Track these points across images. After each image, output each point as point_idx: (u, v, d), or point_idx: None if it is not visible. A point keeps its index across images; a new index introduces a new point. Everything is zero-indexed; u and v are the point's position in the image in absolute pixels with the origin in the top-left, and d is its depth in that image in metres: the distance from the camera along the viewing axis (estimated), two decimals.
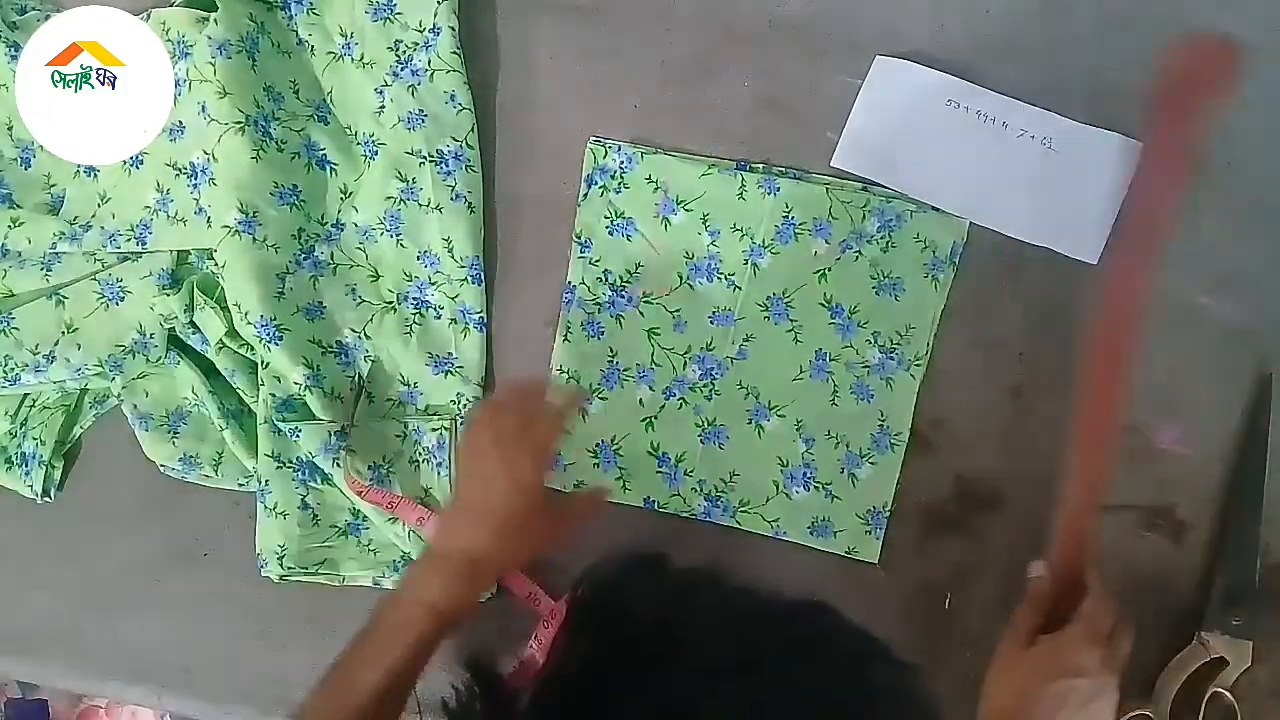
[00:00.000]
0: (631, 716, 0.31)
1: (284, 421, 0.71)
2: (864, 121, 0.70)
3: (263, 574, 0.72)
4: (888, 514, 0.69)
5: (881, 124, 0.70)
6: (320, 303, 0.73)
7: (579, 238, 0.72)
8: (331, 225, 0.74)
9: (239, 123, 0.69)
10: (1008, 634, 0.59)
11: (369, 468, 0.71)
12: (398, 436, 0.73)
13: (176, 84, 0.72)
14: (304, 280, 0.72)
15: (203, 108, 0.70)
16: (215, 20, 0.70)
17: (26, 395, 0.77)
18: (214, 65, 0.69)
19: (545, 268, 0.73)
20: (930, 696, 0.35)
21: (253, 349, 0.72)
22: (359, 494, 0.70)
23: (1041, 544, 0.66)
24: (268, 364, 0.71)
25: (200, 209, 0.71)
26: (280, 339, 0.70)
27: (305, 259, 0.73)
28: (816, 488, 0.70)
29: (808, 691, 0.33)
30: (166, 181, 0.73)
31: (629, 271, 0.72)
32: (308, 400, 0.71)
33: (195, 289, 0.73)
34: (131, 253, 0.74)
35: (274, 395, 0.71)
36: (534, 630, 0.68)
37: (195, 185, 0.72)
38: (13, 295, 0.74)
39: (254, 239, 0.70)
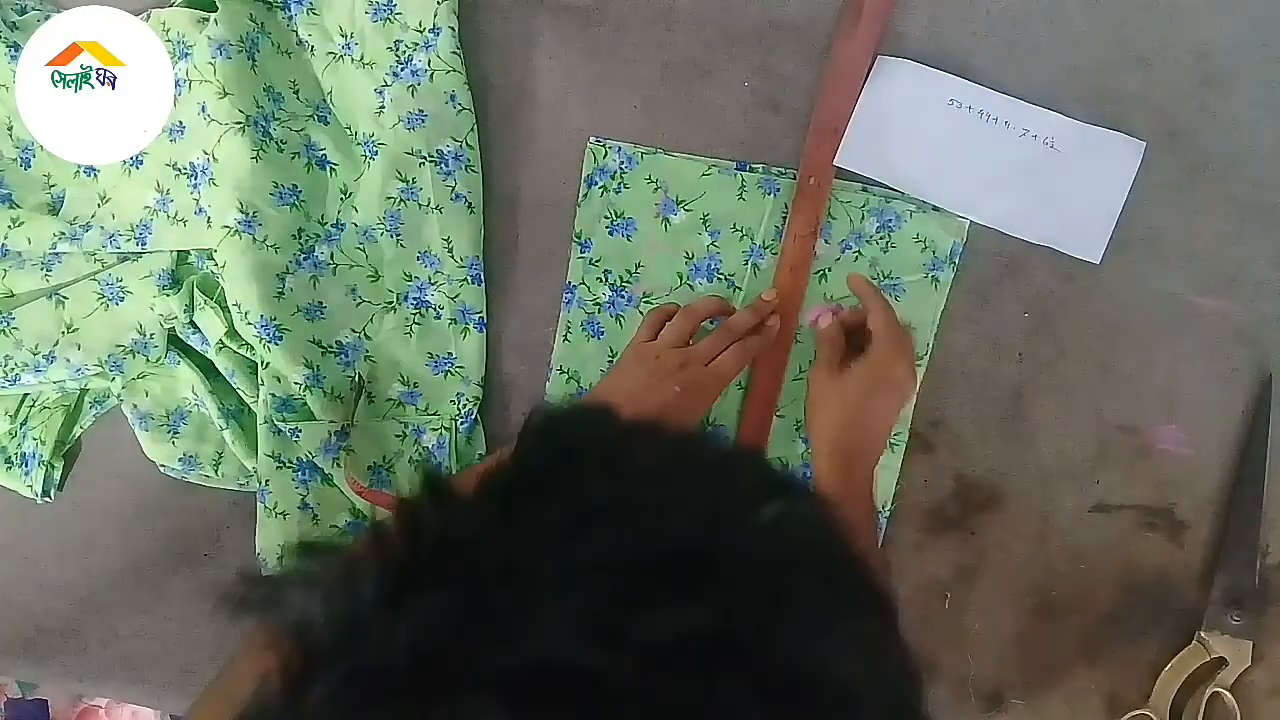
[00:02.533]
0: (551, 510, 0.30)
1: (284, 421, 0.71)
2: (865, 121, 0.70)
3: (263, 574, 0.72)
4: (887, 514, 0.69)
5: (883, 123, 0.70)
6: (320, 303, 0.73)
7: (579, 238, 0.72)
8: (331, 225, 0.74)
9: (239, 123, 0.69)
10: (817, 368, 0.66)
11: (369, 468, 0.71)
12: (398, 436, 0.73)
13: (176, 84, 0.71)
14: (304, 280, 0.72)
15: (203, 108, 0.70)
16: (215, 20, 0.70)
17: (26, 395, 0.77)
18: (214, 65, 0.69)
19: (545, 268, 0.73)
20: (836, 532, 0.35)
21: (253, 349, 0.72)
22: (359, 494, 0.70)
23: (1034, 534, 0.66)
24: (268, 364, 0.71)
25: (200, 209, 0.71)
26: (280, 339, 0.70)
27: (305, 259, 0.72)
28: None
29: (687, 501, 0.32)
30: (166, 181, 0.73)
31: (629, 271, 0.72)
32: (308, 400, 0.71)
33: (195, 289, 0.73)
34: (131, 253, 0.74)
35: (274, 395, 0.71)
36: None
37: (195, 185, 0.72)
38: (13, 295, 0.74)
39: (254, 239, 0.70)
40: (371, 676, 0.27)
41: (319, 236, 0.73)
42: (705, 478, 0.33)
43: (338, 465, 0.70)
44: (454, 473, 0.72)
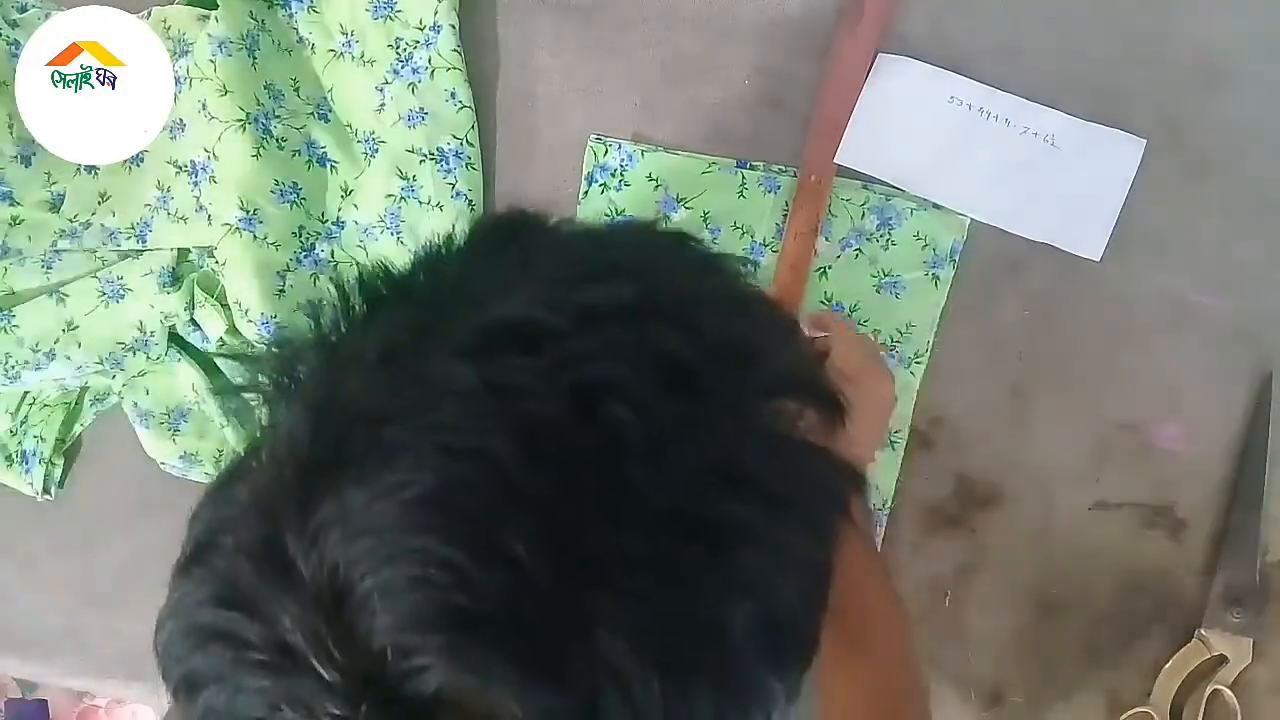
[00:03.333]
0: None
1: None
2: (867, 117, 0.70)
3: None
4: (887, 512, 0.69)
5: (884, 120, 0.70)
6: (320, 301, 0.73)
7: None
8: (332, 223, 0.74)
9: (239, 120, 0.69)
10: None
11: None
12: None
13: (177, 82, 0.71)
14: (304, 278, 0.72)
15: (203, 105, 0.70)
16: (216, 18, 0.70)
17: (27, 393, 0.77)
18: (214, 63, 0.69)
19: None
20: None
21: (254, 347, 0.72)
22: None
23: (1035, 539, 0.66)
24: None
25: (201, 207, 0.71)
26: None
27: (306, 256, 0.73)
28: None
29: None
30: (167, 179, 0.73)
31: None
32: None
33: (196, 287, 0.73)
34: (132, 251, 0.74)
35: None
36: None
37: (196, 183, 0.72)
38: (13, 293, 0.74)
39: (254, 236, 0.70)
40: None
41: (319, 234, 0.74)
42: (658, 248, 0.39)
43: None
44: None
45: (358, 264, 0.33)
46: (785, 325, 0.40)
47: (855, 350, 0.62)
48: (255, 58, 0.71)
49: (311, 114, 0.74)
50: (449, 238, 0.37)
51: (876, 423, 0.62)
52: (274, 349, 0.34)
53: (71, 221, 0.74)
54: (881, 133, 0.70)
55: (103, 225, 0.74)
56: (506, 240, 0.36)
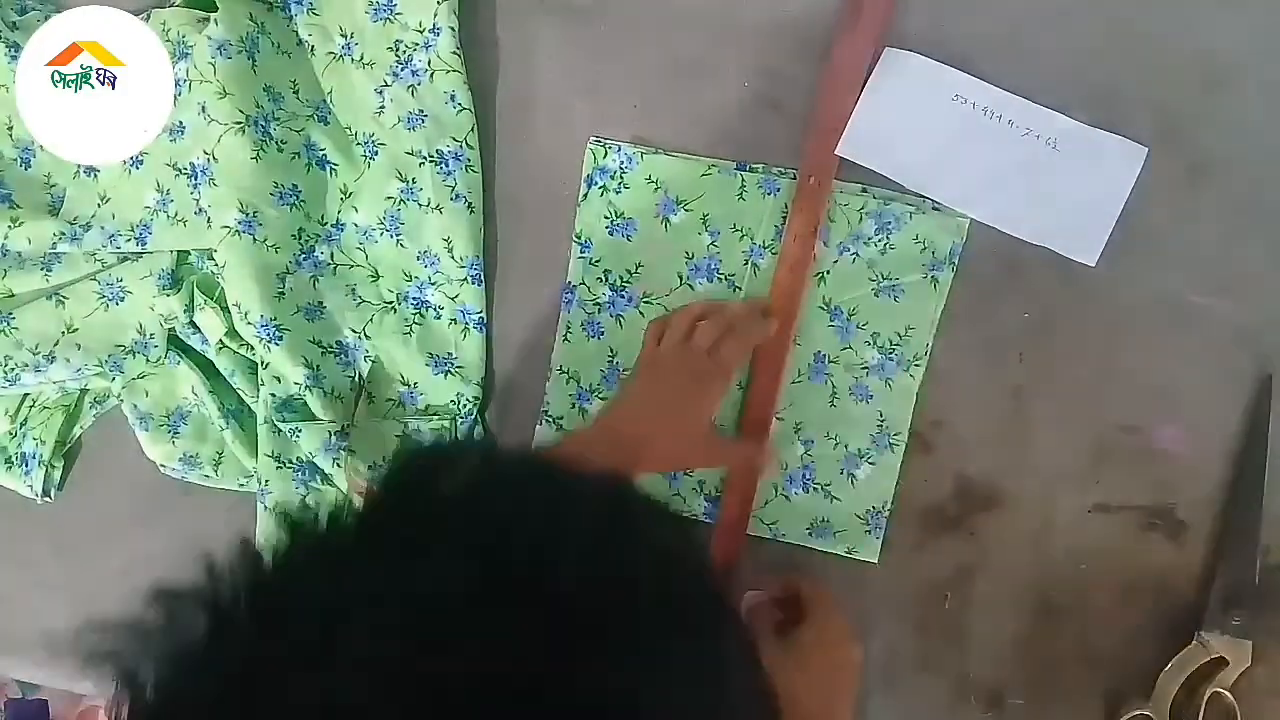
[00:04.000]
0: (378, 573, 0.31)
1: (284, 421, 0.71)
2: (869, 111, 0.70)
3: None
4: (887, 514, 0.69)
5: (887, 115, 0.70)
6: (320, 303, 0.73)
7: (579, 238, 0.72)
8: (331, 225, 0.74)
9: (239, 123, 0.69)
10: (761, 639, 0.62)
11: (369, 467, 0.71)
12: (398, 436, 0.73)
13: (176, 84, 0.72)
14: (304, 280, 0.72)
15: (203, 108, 0.70)
16: (215, 21, 0.70)
17: (26, 395, 0.77)
18: (214, 65, 0.69)
19: (545, 268, 0.73)
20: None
21: (253, 349, 0.72)
22: (360, 494, 0.70)
23: (1038, 545, 0.66)
24: (267, 364, 0.71)
25: (200, 209, 0.71)
26: (280, 339, 0.70)
27: (305, 259, 0.73)
28: (816, 489, 0.70)
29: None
30: (166, 181, 0.73)
31: (629, 271, 0.72)
32: (308, 400, 0.71)
33: (196, 289, 0.73)
34: (131, 253, 0.74)
35: (274, 395, 0.71)
36: None
37: (195, 185, 0.72)
38: (13, 295, 0.74)
39: (254, 239, 0.70)
40: (183, 710, 0.28)
41: (319, 237, 0.74)
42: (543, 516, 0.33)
43: (338, 465, 0.70)
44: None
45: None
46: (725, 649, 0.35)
47: (833, 619, 0.62)
48: (255, 60, 0.71)
49: (311, 116, 0.74)
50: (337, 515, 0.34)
51: (849, 693, 0.62)
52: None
53: (71, 224, 0.74)
54: (883, 126, 0.70)
55: (102, 227, 0.74)
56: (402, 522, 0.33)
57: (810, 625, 0.61)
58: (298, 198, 0.72)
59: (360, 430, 0.72)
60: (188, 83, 0.71)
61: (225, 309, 0.72)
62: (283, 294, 0.71)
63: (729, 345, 0.66)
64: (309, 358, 0.71)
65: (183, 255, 0.74)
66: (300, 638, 0.28)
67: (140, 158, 0.74)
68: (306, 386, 0.70)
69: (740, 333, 0.67)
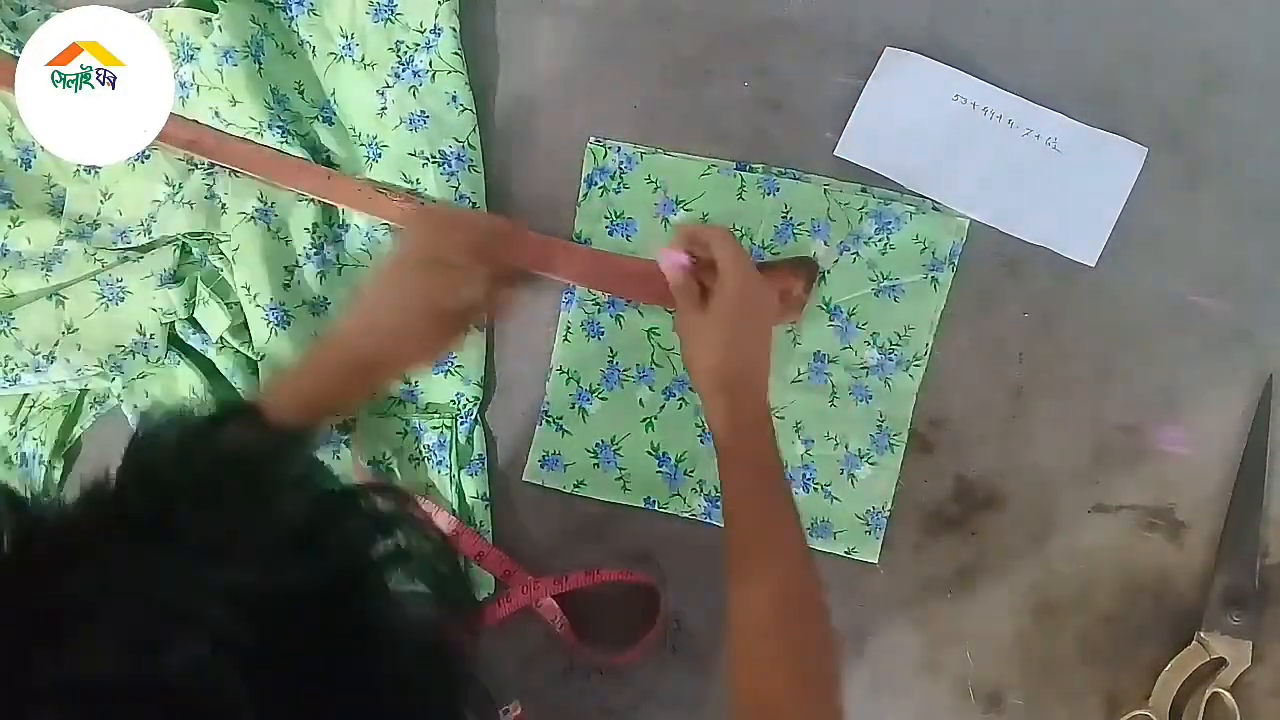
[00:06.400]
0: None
1: None
2: (869, 112, 0.70)
3: None
4: (887, 514, 0.69)
5: (887, 115, 0.70)
6: (325, 299, 0.73)
7: (579, 238, 0.72)
8: (338, 226, 0.75)
9: (254, 129, 0.71)
10: (681, 316, 0.63)
11: (369, 462, 0.71)
12: (399, 434, 0.73)
13: (183, 86, 0.72)
14: (311, 274, 0.73)
15: (216, 113, 0.72)
16: (219, 27, 0.70)
17: (26, 395, 0.77)
18: (221, 72, 0.70)
19: None
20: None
21: (253, 345, 0.72)
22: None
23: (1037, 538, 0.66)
24: (264, 356, 0.71)
25: (212, 194, 0.72)
26: (287, 324, 0.71)
27: (315, 254, 0.73)
28: (816, 489, 0.70)
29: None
30: (176, 175, 0.74)
31: None
32: None
33: (200, 282, 0.73)
34: (140, 248, 0.74)
35: None
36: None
37: (210, 173, 0.73)
38: (13, 296, 0.74)
39: (268, 228, 0.71)
40: None
41: (327, 237, 0.74)
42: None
43: (337, 458, 0.70)
44: (454, 473, 0.72)
45: None
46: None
47: (737, 273, 0.61)
48: (261, 63, 0.71)
49: (316, 117, 0.74)
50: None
51: (765, 333, 0.62)
52: None
53: (77, 222, 0.75)
54: (883, 126, 0.70)
55: (111, 224, 0.74)
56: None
57: (720, 289, 0.60)
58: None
59: (361, 426, 0.72)
60: (194, 86, 0.72)
61: (228, 305, 0.72)
62: (288, 286, 0.72)
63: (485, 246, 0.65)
64: None
65: (185, 254, 0.74)
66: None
67: (147, 153, 0.74)
68: None
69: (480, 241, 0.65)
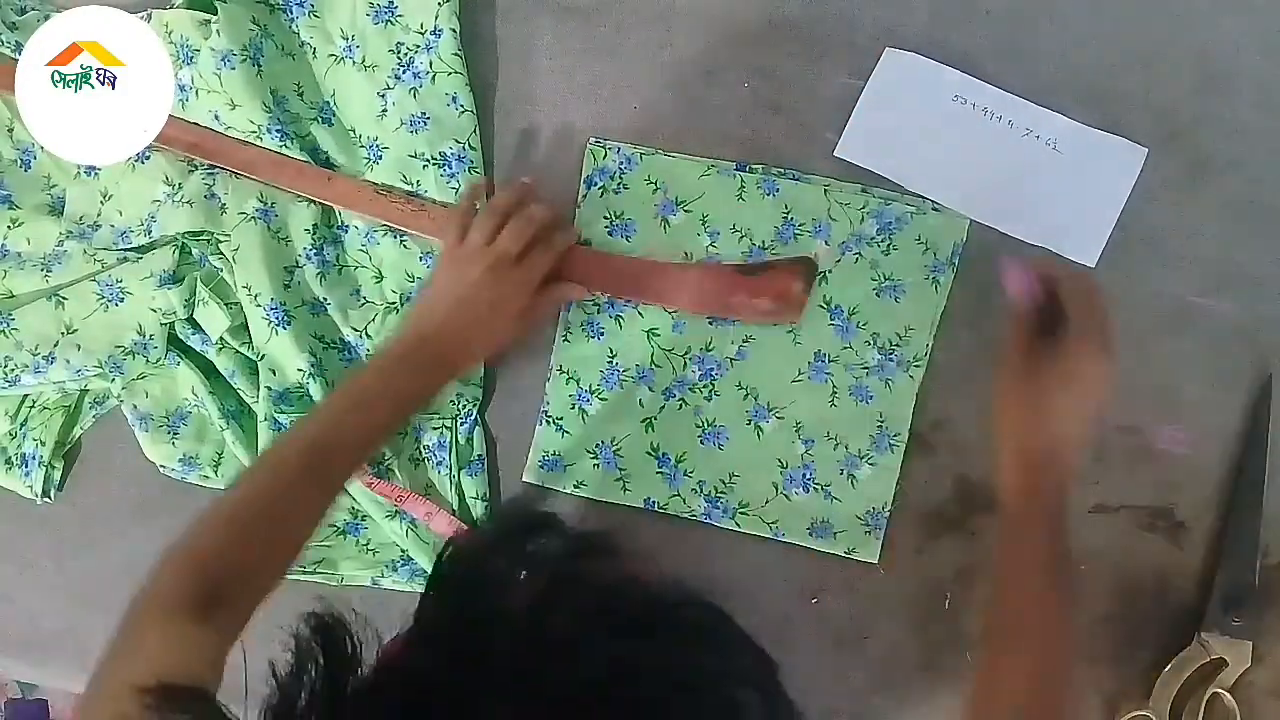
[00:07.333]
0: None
1: (283, 415, 0.71)
2: (869, 113, 0.70)
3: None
4: (887, 515, 0.69)
5: (887, 116, 0.70)
6: (325, 299, 0.73)
7: (578, 238, 0.72)
8: (338, 227, 0.75)
9: (253, 132, 0.71)
10: (1009, 356, 0.60)
11: (369, 463, 0.71)
12: (399, 434, 0.73)
13: (182, 89, 0.72)
14: (311, 275, 0.73)
15: (216, 116, 0.72)
16: (218, 32, 0.70)
17: (26, 396, 0.77)
18: (219, 76, 0.71)
19: None
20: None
21: (253, 346, 0.72)
22: (368, 486, 0.71)
23: None
24: (264, 355, 0.71)
25: (212, 194, 0.72)
26: (288, 324, 0.71)
27: (315, 254, 0.73)
28: (816, 489, 0.70)
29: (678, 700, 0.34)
30: (176, 175, 0.74)
31: None
32: (309, 388, 0.71)
33: (199, 283, 0.73)
34: (136, 250, 0.74)
35: (270, 389, 0.71)
36: None
37: (210, 172, 0.72)
38: (13, 296, 0.74)
39: (269, 227, 0.71)
40: None
41: (327, 238, 0.74)
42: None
43: None
44: (454, 474, 0.72)
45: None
46: None
47: (1092, 319, 0.58)
48: (260, 66, 0.71)
49: (315, 119, 0.74)
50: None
51: (1085, 413, 0.58)
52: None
53: (78, 223, 0.75)
54: (883, 127, 0.70)
55: (112, 225, 0.74)
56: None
57: (1067, 355, 0.57)
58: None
59: None
60: (194, 89, 0.72)
61: (227, 305, 0.72)
62: (288, 286, 0.72)
63: (536, 254, 0.66)
64: (312, 348, 0.72)
65: (184, 254, 0.74)
66: None
67: (146, 153, 0.74)
68: (309, 374, 0.71)
69: (545, 243, 0.67)
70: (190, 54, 0.72)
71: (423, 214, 0.71)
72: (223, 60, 0.70)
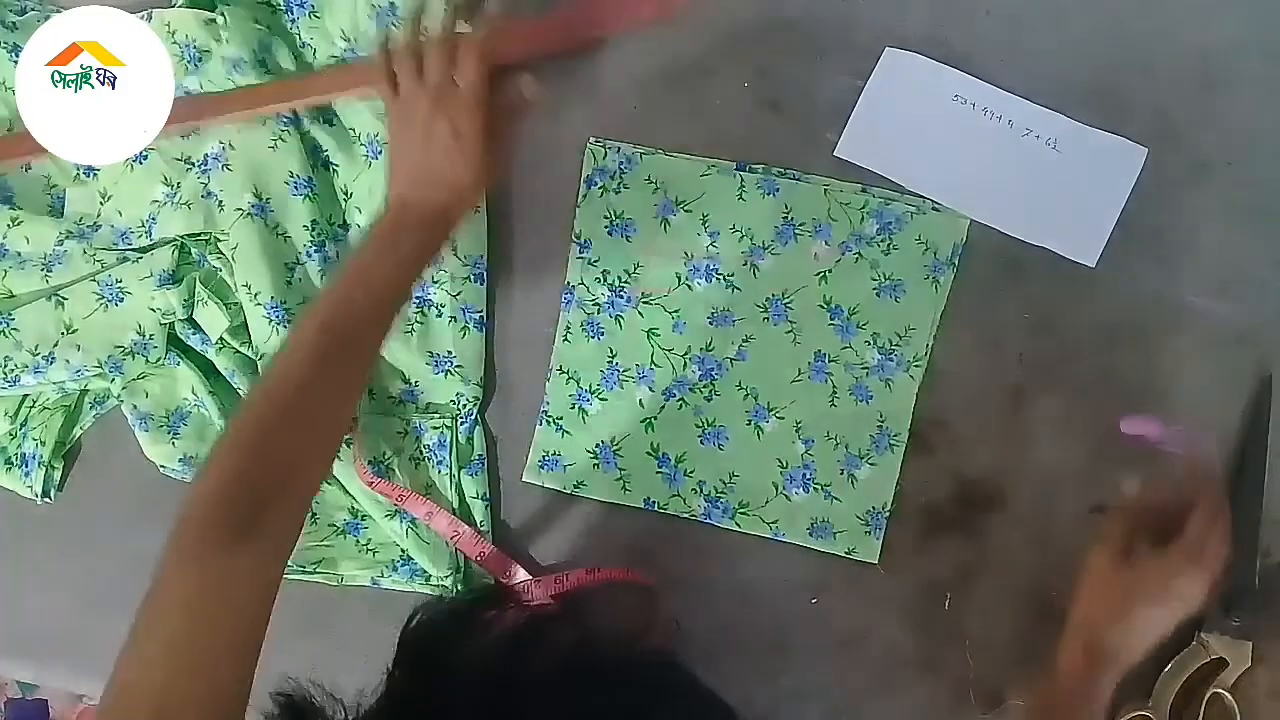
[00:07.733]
0: None
1: None
2: (869, 112, 0.70)
3: None
4: (887, 514, 0.69)
5: (887, 116, 0.70)
6: None
7: (578, 238, 0.72)
8: (338, 225, 0.75)
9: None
10: (1102, 548, 0.59)
11: (369, 462, 0.71)
12: (399, 433, 0.73)
13: (188, 93, 0.72)
14: (312, 272, 0.73)
15: None
16: (225, 40, 0.70)
17: (26, 396, 0.77)
18: (232, 82, 0.71)
19: (545, 268, 0.73)
20: None
21: (253, 345, 0.72)
22: (369, 485, 0.71)
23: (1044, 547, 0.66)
24: (264, 355, 0.71)
25: (209, 193, 0.72)
26: (289, 323, 0.71)
27: (315, 251, 0.73)
28: (816, 489, 0.70)
29: None
30: (174, 175, 0.74)
31: (628, 272, 0.72)
32: None
33: (198, 283, 0.73)
34: (136, 250, 0.74)
35: None
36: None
37: (205, 171, 0.72)
38: (12, 296, 0.74)
39: (266, 224, 0.71)
40: None
41: (328, 235, 0.74)
42: None
43: (339, 459, 0.70)
44: (455, 474, 0.72)
45: None
46: None
47: (1210, 539, 0.56)
48: (267, 68, 0.71)
49: (315, 118, 0.74)
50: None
51: (1168, 626, 0.57)
52: None
53: (78, 223, 0.75)
54: (883, 127, 0.70)
55: (112, 225, 0.74)
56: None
57: (1179, 548, 0.55)
58: (311, 190, 0.72)
59: (362, 426, 0.72)
60: (201, 93, 0.72)
61: (227, 305, 0.72)
62: (290, 284, 0.72)
63: (464, 63, 0.62)
64: None
65: (184, 254, 0.74)
66: None
67: (145, 153, 0.74)
68: None
69: (466, 49, 0.62)
70: (195, 56, 0.72)
71: (348, 74, 0.71)
72: (234, 66, 0.71)
